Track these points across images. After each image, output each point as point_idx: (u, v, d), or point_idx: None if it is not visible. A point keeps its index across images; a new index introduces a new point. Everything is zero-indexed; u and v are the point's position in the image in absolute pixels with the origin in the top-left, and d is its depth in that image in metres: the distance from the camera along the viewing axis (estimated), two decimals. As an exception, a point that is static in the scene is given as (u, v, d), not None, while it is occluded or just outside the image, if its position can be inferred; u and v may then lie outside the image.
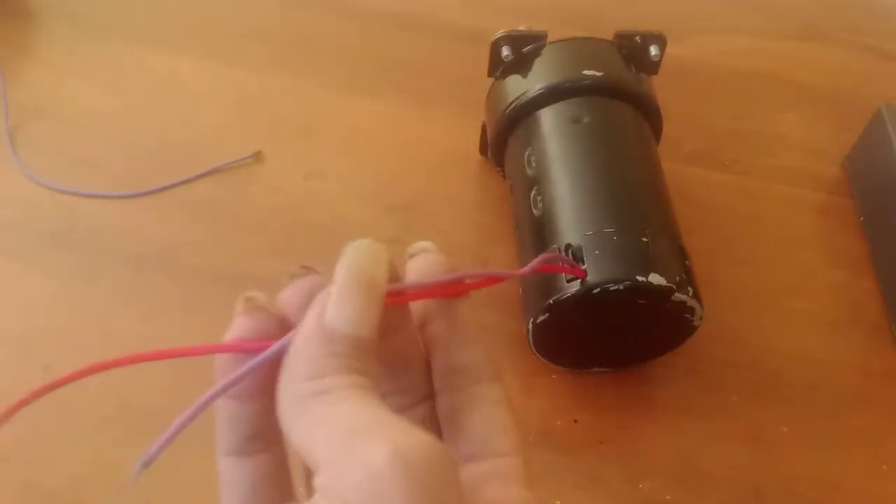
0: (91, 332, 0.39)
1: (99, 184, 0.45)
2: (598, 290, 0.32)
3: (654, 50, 0.41)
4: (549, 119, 0.39)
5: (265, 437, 0.20)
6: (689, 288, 0.33)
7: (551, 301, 0.33)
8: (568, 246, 0.34)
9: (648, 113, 0.40)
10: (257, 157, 0.47)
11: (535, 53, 0.41)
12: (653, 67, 0.42)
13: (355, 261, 0.19)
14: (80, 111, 0.49)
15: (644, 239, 0.33)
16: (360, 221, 0.44)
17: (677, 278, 0.33)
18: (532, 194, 0.37)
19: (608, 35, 0.41)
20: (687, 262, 0.34)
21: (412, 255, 0.22)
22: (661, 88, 0.42)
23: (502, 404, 0.22)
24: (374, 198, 0.45)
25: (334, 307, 0.18)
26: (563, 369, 0.38)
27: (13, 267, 0.41)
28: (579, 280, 0.32)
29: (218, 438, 0.20)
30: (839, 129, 0.49)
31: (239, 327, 0.19)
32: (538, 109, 0.39)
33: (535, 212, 0.37)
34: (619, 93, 0.39)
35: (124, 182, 0.45)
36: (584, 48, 0.41)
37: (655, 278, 0.32)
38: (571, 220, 0.35)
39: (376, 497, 0.15)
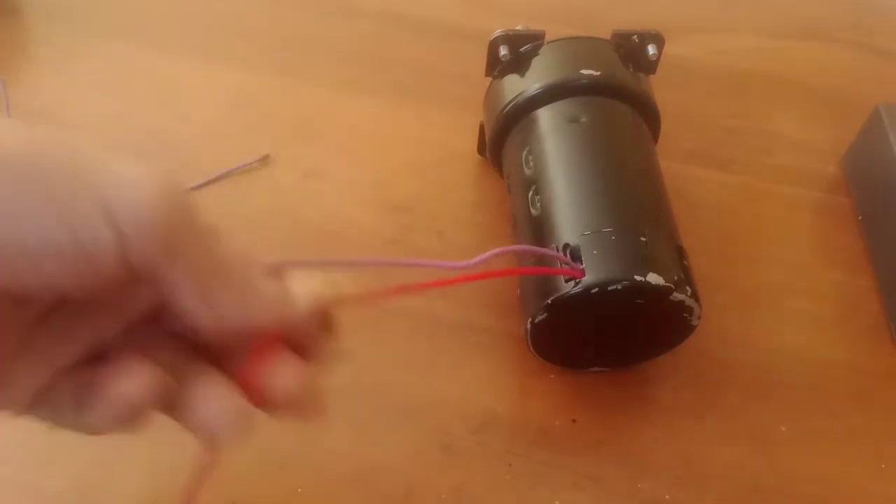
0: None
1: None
2: (597, 289, 0.32)
3: (651, 49, 0.41)
4: (546, 119, 0.39)
5: None
6: (688, 287, 0.33)
7: (549, 301, 0.33)
8: (566, 246, 0.34)
9: (646, 112, 0.40)
10: (265, 160, 0.47)
11: (533, 53, 0.41)
12: (650, 67, 0.42)
13: None
14: (79, 112, 0.49)
15: (642, 238, 0.33)
16: (359, 221, 0.44)
17: (675, 278, 0.33)
18: (530, 194, 0.37)
19: (606, 35, 0.41)
20: (685, 262, 0.34)
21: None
22: (659, 88, 0.42)
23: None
24: (373, 197, 0.45)
25: None
26: (562, 369, 0.38)
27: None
28: (577, 280, 0.32)
29: None
30: (837, 129, 0.49)
31: None
32: (536, 109, 0.39)
33: (533, 212, 0.37)
34: (617, 92, 0.39)
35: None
36: (582, 48, 0.41)
37: (653, 278, 0.32)
38: (569, 220, 0.35)
39: None
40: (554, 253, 0.33)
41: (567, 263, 0.33)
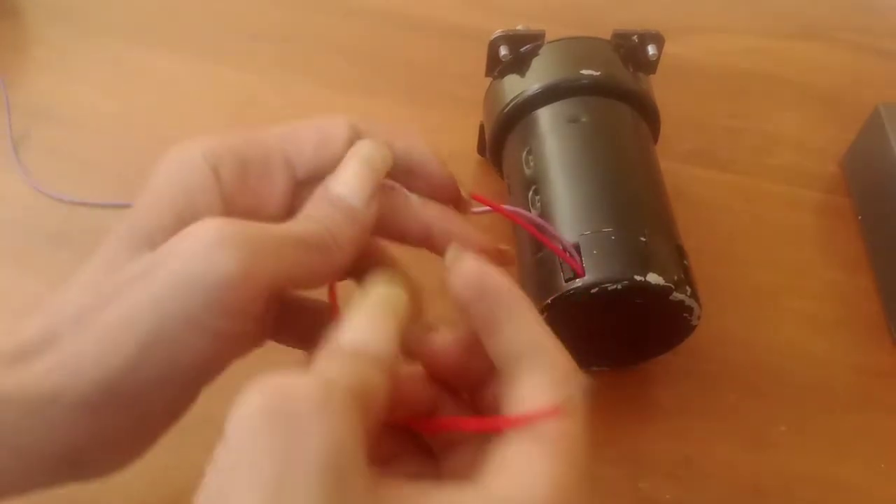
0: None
1: (98, 185, 0.45)
2: (596, 289, 0.32)
3: (651, 49, 0.41)
4: (546, 119, 0.39)
5: None
6: (687, 287, 0.33)
7: (549, 300, 0.33)
8: (566, 245, 0.34)
9: (646, 112, 0.40)
10: None
11: (533, 53, 0.41)
12: (650, 67, 0.42)
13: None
14: (79, 113, 0.49)
15: (642, 238, 0.33)
16: (359, 221, 0.44)
17: (675, 277, 0.33)
18: (530, 194, 0.37)
19: (606, 35, 0.41)
20: (685, 262, 0.34)
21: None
22: (659, 88, 0.42)
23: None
24: (373, 198, 0.45)
25: None
26: (562, 369, 0.38)
27: (11, 269, 0.41)
28: (577, 279, 0.32)
29: None
30: (837, 129, 0.49)
31: None
32: (536, 109, 0.39)
33: (533, 211, 0.37)
34: (617, 92, 0.39)
35: (124, 183, 0.45)
36: (582, 48, 0.41)
37: (653, 278, 0.32)
38: (569, 220, 0.35)
39: None
40: (557, 234, 0.33)
41: (570, 253, 0.33)
